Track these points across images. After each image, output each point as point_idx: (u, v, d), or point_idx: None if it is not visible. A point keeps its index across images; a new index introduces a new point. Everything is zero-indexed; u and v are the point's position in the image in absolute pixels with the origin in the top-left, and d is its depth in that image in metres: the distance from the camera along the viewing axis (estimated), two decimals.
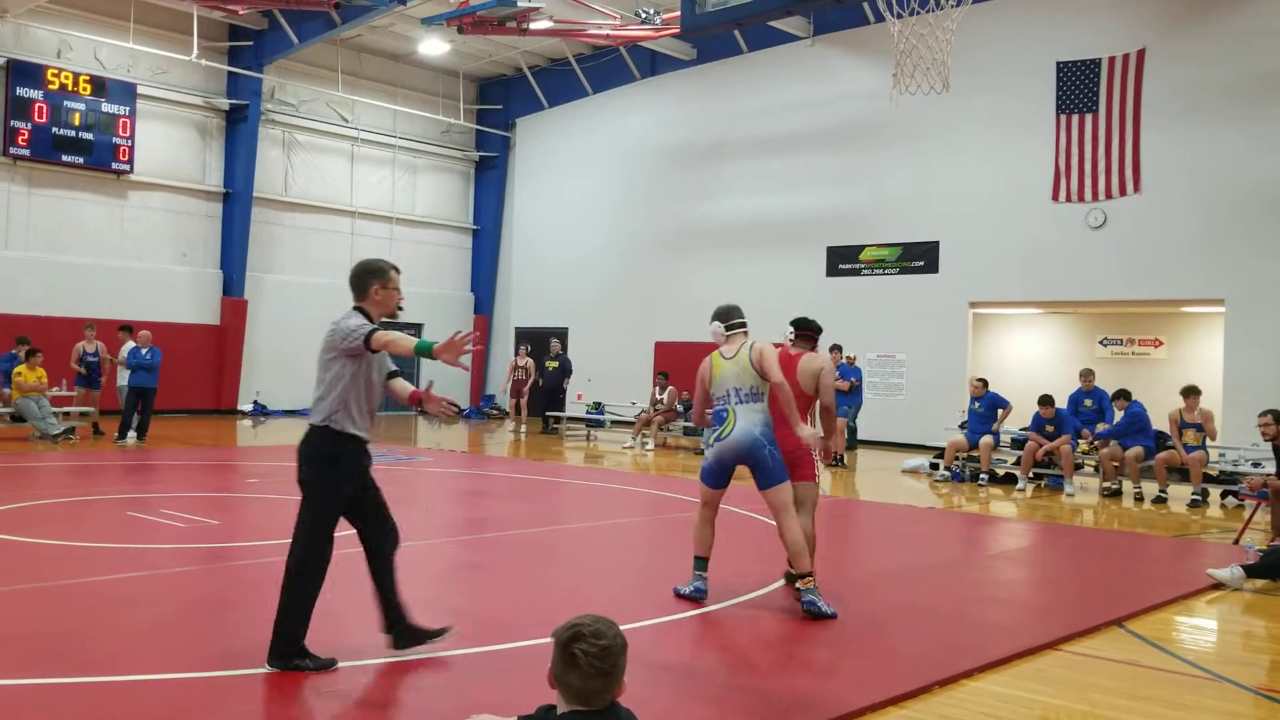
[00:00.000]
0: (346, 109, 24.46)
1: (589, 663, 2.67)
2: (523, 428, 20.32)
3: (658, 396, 18.71)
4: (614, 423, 21.27)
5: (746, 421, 6.43)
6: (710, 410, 6.69)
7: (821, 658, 5.66)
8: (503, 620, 6.15)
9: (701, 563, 6.72)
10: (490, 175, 27.09)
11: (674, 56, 22.76)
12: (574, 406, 22.22)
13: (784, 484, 6.46)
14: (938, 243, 19.51)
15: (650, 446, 18.08)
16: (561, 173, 25.67)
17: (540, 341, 22.66)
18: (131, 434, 16.02)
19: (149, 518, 9.06)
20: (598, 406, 21.34)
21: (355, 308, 5.28)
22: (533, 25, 19.93)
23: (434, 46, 23.14)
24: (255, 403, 23.07)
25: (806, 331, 7.43)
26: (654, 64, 23.50)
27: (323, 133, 24.36)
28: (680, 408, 18.49)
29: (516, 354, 21.59)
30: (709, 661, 5.47)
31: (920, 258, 19.71)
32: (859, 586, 7.48)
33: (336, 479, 5.13)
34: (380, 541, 5.35)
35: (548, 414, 21.54)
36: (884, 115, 19.52)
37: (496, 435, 20.74)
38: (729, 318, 6.77)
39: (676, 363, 20.94)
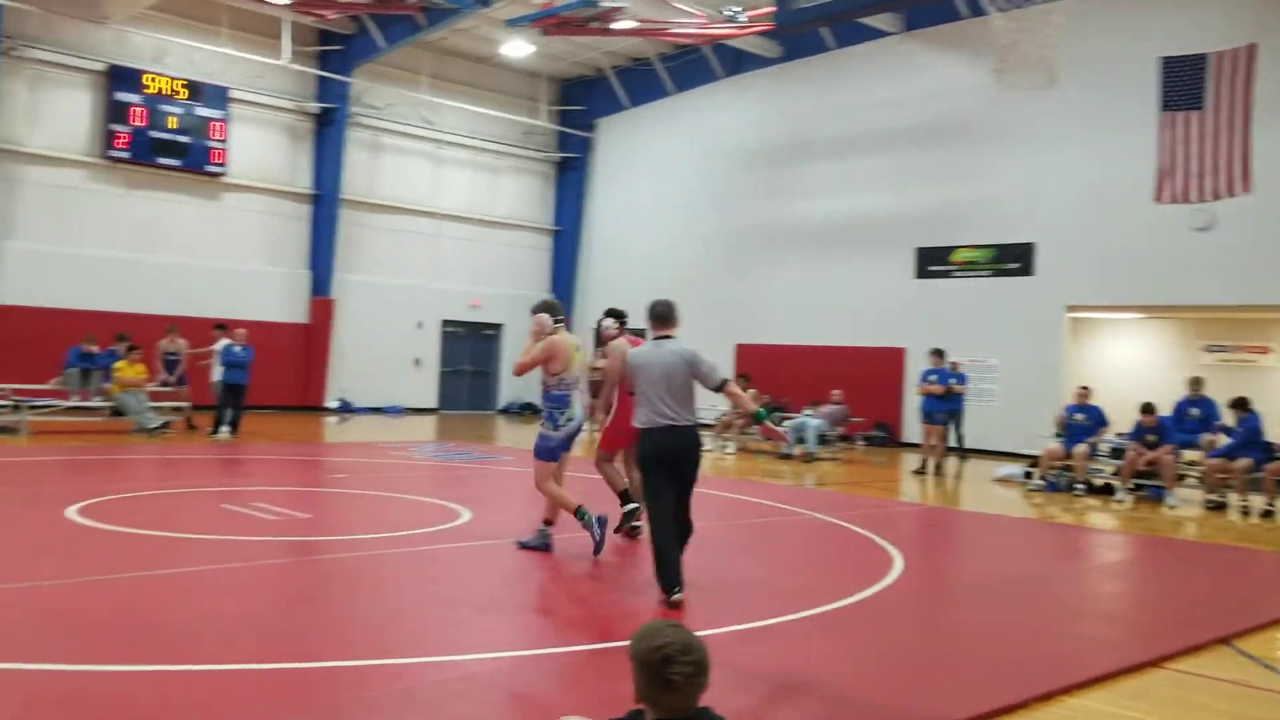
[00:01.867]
0: (430, 111, 24.71)
1: (687, 681, 2.63)
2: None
3: None
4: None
5: (579, 407, 7.86)
6: (556, 392, 7.75)
7: (911, 670, 5.47)
8: (591, 620, 6.05)
9: (582, 511, 7.69)
10: (571, 176, 27.15)
11: (759, 54, 22.56)
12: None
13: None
14: (1033, 244, 19.00)
15: (730, 450, 17.91)
16: (642, 173, 25.62)
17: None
18: (225, 428, 16.35)
19: (242, 510, 9.18)
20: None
21: (669, 336, 6.66)
22: (616, 25, 19.90)
23: (517, 48, 23.25)
24: (341, 400, 23.42)
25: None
26: (738, 62, 23.32)
27: (407, 135, 24.65)
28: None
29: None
30: (792, 670, 5.31)
31: (1015, 259, 19.21)
32: (951, 597, 7.26)
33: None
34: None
35: None
36: (977, 112, 19.09)
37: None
38: (559, 312, 7.96)
39: (757, 365, 20.75)
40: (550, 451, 7.79)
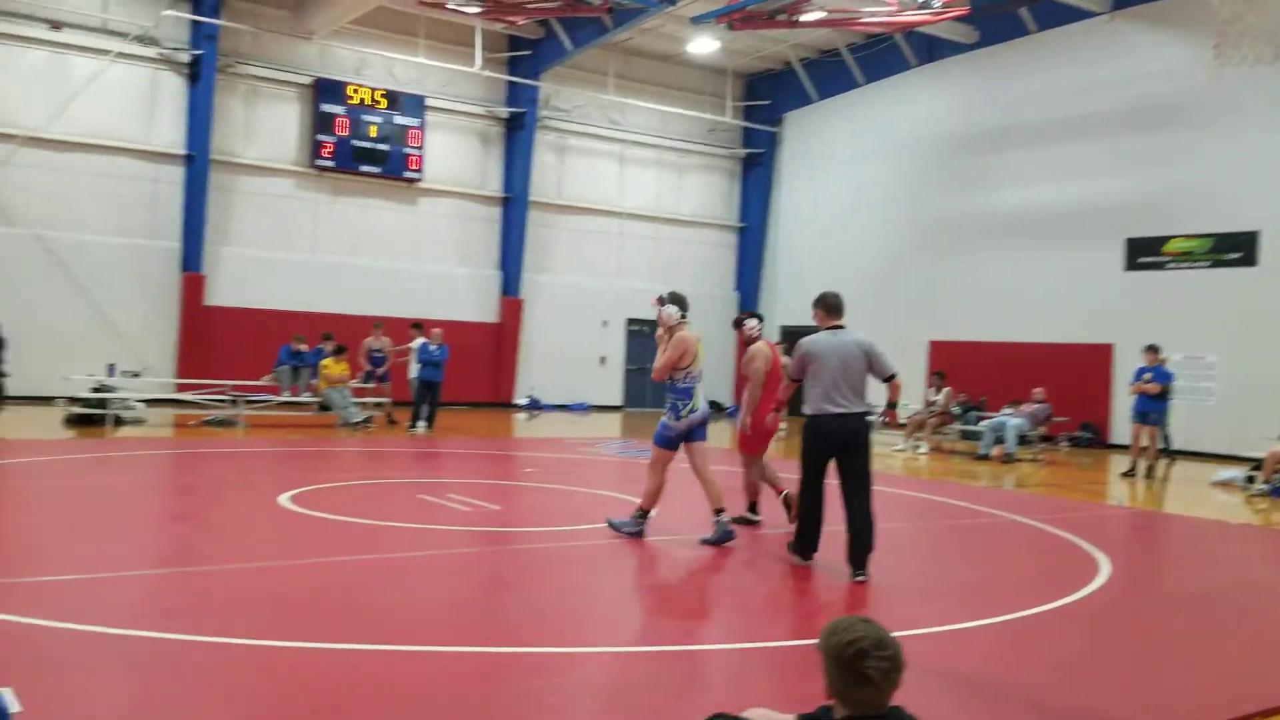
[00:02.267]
0: (617, 112, 24.95)
1: (883, 677, 2.60)
2: (782, 426, 19.90)
3: (932, 398, 17.86)
4: (883, 424, 20.51)
5: (703, 398, 8.09)
6: (681, 385, 7.96)
7: (1117, 679, 5.03)
8: (757, 618, 5.86)
9: (644, 513, 8.02)
10: (757, 172, 26.87)
11: (954, 41, 21.73)
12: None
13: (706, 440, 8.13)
14: (1257, 232, 17.55)
15: (924, 450, 17.28)
16: (830, 167, 25.09)
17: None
18: (421, 424, 16.93)
19: (438, 501, 9.41)
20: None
21: (841, 326, 7.04)
22: (804, 17, 19.48)
23: (703, 45, 23.17)
24: (530, 397, 23.92)
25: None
26: (931, 49, 22.54)
27: (594, 136, 24.96)
28: (957, 409, 17.57)
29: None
30: (991, 677, 4.99)
31: (1236, 249, 17.79)
32: (1163, 605, 6.71)
33: None
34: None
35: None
36: (1192, 92, 17.80)
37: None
38: (686, 306, 8.15)
39: (952, 362, 19.98)
40: (670, 441, 8.01)
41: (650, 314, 8.89)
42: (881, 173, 23.78)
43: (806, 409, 6.92)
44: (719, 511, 7.92)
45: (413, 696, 4.29)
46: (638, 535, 8.00)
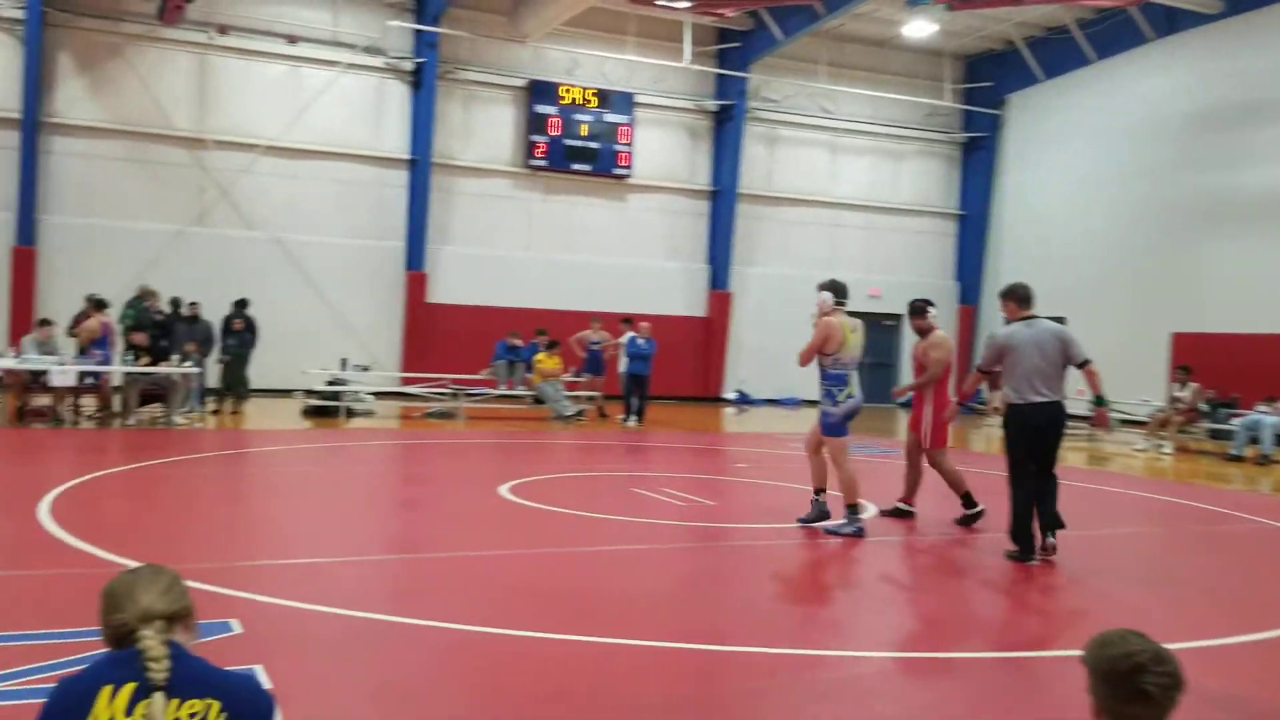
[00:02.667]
0: (828, 100, 24.41)
1: (1163, 694, 2.35)
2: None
3: (1176, 394, 16.55)
4: (1121, 422, 19.21)
5: (859, 385, 7.96)
6: (833, 372, 7.89)
7: None
8: (1012, 625, 5.44)
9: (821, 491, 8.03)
10: (978, 157, 25.72)
11: (1195, 11, 20.10)
12: (1072, 402, 20.36)
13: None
14: None
15: (1168, 449, 16.04)
16: (1058, 149, 23.69)
17: None
18: (633, 417, 17.04)
19: (651, 495, 9.36)
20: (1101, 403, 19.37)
21: (1034, 316, 7.20)
22: None
23: (919, 28, 22.31)
24: (739, 391, 23.74)
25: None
26: (1171, 21, 20.91)
27: (804, 126, 24.51)
28: (1205, 406, 16.22)
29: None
30: (1265, 700, 4.42)
31: None
32: None
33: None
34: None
35: None
36: None
37: (982, 430, 19.56)
38: (844, 294, 8.02)
39: (1198, 356, 18.48)
40: (837, 427, 7.98)
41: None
42: (1115, 155, 22.25)
43: (1008, 398, 7.15)
44: (819, 491, 8.08)
45: (636, 690, 4.21)
46: (858, 534, 7.71)
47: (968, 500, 8.55)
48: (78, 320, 14.71)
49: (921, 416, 8.66)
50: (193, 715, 1.97)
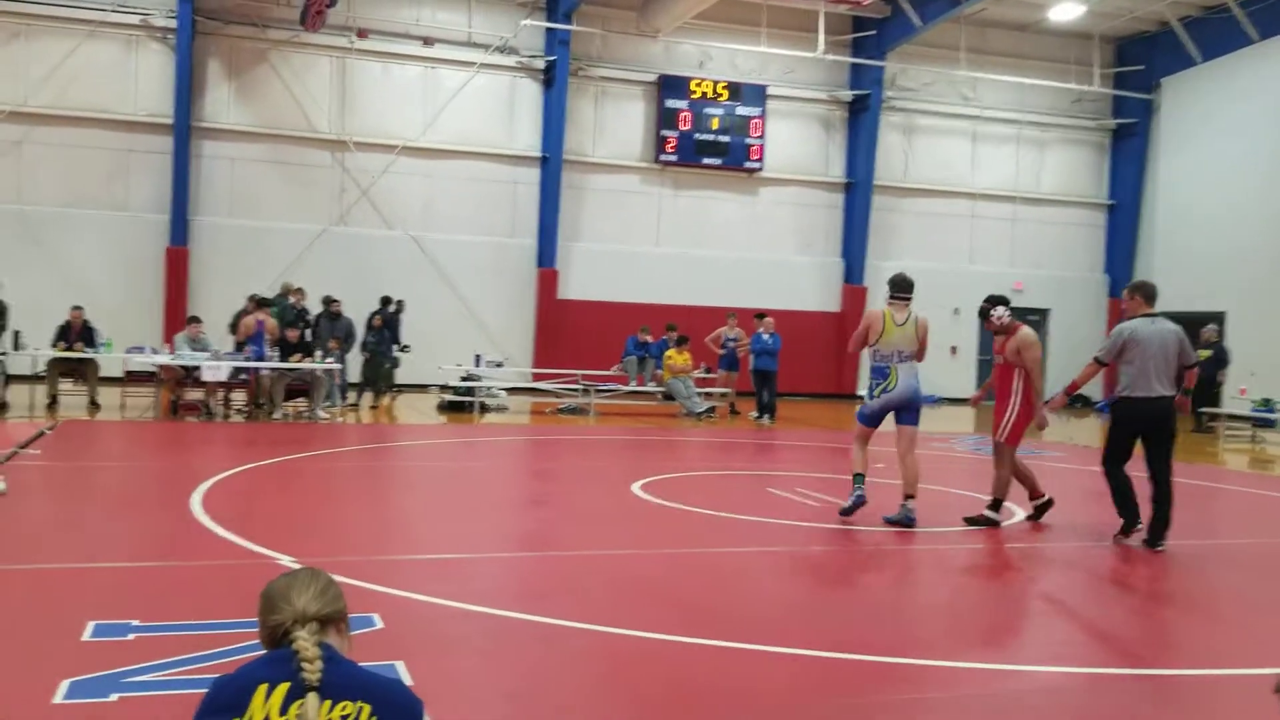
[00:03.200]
0: (968, 88, 23.66)
1: None
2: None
3: None
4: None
5: (907, 376, 8.00)
6: (874, 364, 8.09)
7: None
8: (1175, 641, 5.08)
9: (860, 478, 7.98)
10: (1129, 144, 24.53)
11: None
12: (1233, 402, 19.26)
13: (917, 425, 8.07)
14: None
15: None
16: (1219, 135, 22.34)
17: (1190, 329, 19.95)
18: (765, 414, 16.83)
19: (785, 495, 9.17)
20: (1266, 404, 18.25)
21: (1156, 314, 7.46)
22: None
23: (1066, 11, 21.45)
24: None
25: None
26: None
27: (943, 115, 23.82)
28: None
29: None
30: None
31: None
32: None
33: None
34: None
35: (1200, 410, 18.88)
36: None
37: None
38: (900, 288, 8.16)
39: None
40: (864, 417, 8.20)
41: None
42: None
43: (1124, 390, 7.43)
44: (909, 497, 7.90)
45: (771, 699, 4.06)
46: (857, 506, 7.93)
47: (996, 506, 8.28)
48: (239, 317, 15.30)
49: (1005, 411, 8.25)
50: (344, 717, 1.98)
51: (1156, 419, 7.34)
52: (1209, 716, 4.22)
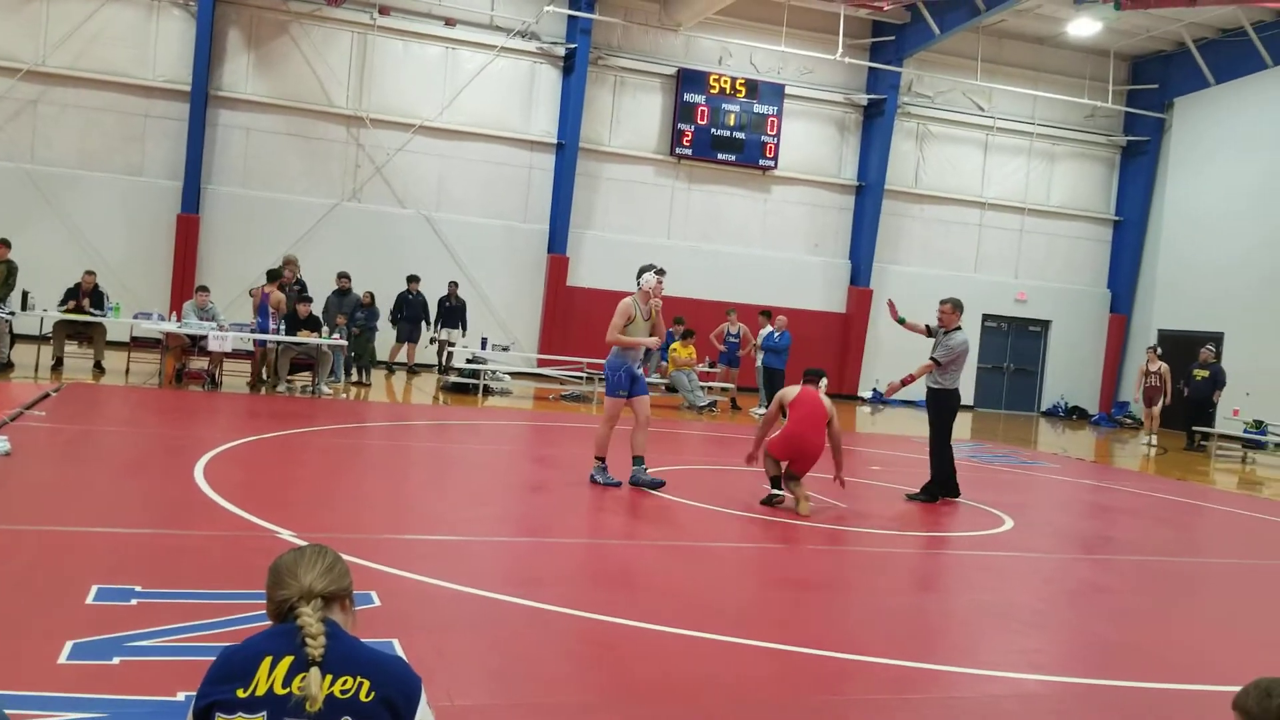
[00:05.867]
0: (983, 98, 23.73)
1: None
2: (1153, 440, 18.14)
3: None
4: (1279, 445, 18.22)
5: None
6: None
7: None
8: (1151, 655, 5.20)
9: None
10: (1139, 161, 24.61)
11: None
12: (1227, 423, 19.38)
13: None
14: None
15: None
16: (1227, 157, 22.43)
17: (1189, 347, 20.08)
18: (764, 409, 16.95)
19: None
20: (1259, 425, 18.37)
21: None
22: None
23: (1084, 26, 21.49)
24: (874, 390, 23.33)
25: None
26: None
27: (957, 123, 23.90)
28: None
29: (1147, 356, 19.34)
30: None
31: None
32: None
33: None
34: None
35: (1193, 429, 19.01)
36: None
37: (1129, 446, 18.78)
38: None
39: None
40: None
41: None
42: None
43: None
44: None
45: (755, 692, 4.19)
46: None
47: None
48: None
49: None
50: (345, 692, 2.05)
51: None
52: None
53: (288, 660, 2.07)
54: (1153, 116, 24.12)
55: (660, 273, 9.35)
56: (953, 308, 9.91)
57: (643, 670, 4.36)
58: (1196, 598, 6.93)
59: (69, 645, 3.92)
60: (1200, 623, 6.23)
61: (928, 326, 10.22)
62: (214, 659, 2.17)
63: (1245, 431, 18.38)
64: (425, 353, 19.08)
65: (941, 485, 9.67)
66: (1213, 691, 4.61)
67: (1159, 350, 19.15)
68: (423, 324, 18.55)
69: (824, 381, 9.11)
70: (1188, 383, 18.72)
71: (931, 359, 9.77)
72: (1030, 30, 23.10)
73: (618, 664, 4.42)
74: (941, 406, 9.75)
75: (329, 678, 2.05)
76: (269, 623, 2.23)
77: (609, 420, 9.06)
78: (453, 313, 18.60)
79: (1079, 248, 24.99)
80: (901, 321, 10.35)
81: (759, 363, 17.52)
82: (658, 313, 9.23)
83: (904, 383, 9.87)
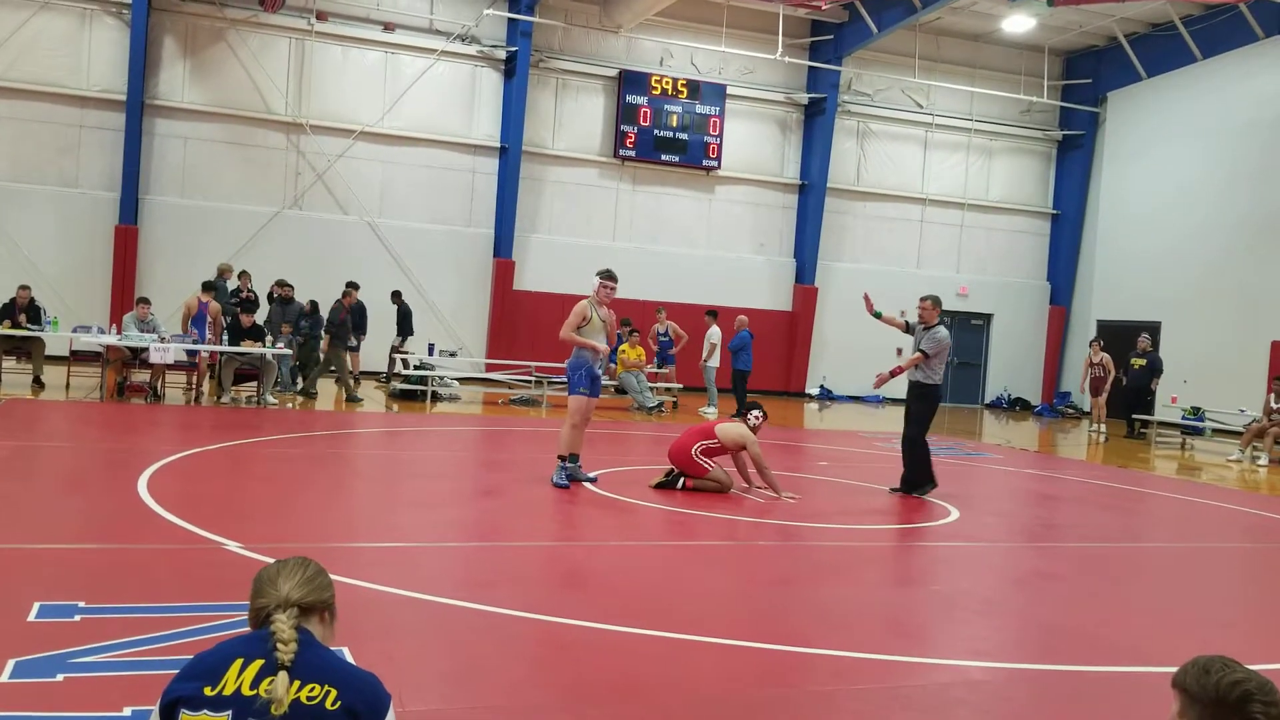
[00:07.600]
0: (922, 95, 24.05)
1: None
2: (1101, 429, 18.50)
3: (1275, 404, 16.00)
4: (1215, 431, 18.66)
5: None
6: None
7: None
8: (1096, 639, 5.32)
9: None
10: (1074, 155, 25.10)
11: None
12: (1165, 410, 19.83)
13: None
14: None
15: (1263, 461, 15.52)
16: (1159, 149, 22.97)
17: (1127, 337, 20.51)
18: (711, 409, 17.04)
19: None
20: (1196, 412, 18.82)
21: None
22: None
23: (1018, 23, 21.88)
24: (821, 387, 23.55)
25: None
26: None
27: (896, 120, 24.20)
28: None
29: (1090, 349, 19.74)
30: None
31: None
32: None
33: None
34: None
35: (1134, 417, 19.41)
36: None
37: (1071, 436, 19.14)
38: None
39: None
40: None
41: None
42: (1222, 155, 21.50)
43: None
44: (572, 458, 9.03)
45: (708, 687, 4.22)
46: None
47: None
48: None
49: None
50: (311, 699, 2.09)
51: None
52: (1114, 711, 4.44)
53: (258, 663, 2.11)
54: (1087, 110, 24.62)
55: (609, 277, 9.35)
56: (933, 304, 9.97)
57: (598, 670, 4.38)
58: (1138, 582, 7.08)
59: (11, 664, 3.85)
60: (1141, 606, 6.37)
61: (907, 322, 10.29)
62: (187, 661, 2.22)
63: (1184, 418, 18.80)
64: (370, 360, 18.89)
65: (918, 477, 9.74)
66: (1154, 673, 4.73)
67: (1101, 342, 19.52)
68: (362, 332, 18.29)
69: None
70: (1126, 371, 19.12)
71: (920, 350, 9.78)
72: (966, 28, 23.46)
73: (573, 665, 4.43)
74: (926, 401, 9.80)
75: (297, 683, 2.09)
76: (218, 637, 2.25)
77: (575, 418, 9.05)
78: (403, 319, 18.50)
79: (1018, 241, 25.43)
80: (878, 315, 10.36)
81: (705, 362, 17.56)
82: (610, 318, 9.25)
83: (892, 374, 9.89)
